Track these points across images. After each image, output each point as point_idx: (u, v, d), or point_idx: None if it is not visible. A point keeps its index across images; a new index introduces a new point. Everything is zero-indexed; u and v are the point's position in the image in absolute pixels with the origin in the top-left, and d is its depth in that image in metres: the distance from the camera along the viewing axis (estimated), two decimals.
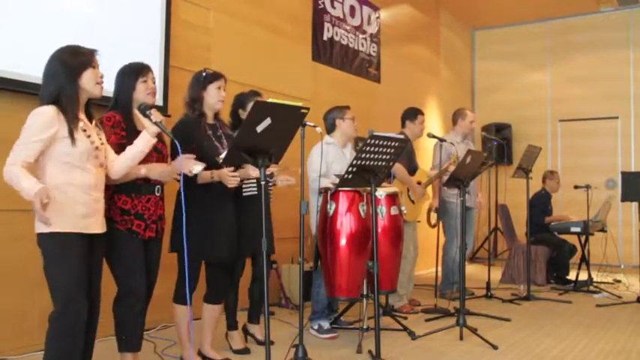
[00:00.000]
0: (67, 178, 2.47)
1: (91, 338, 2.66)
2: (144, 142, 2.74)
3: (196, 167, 2.88)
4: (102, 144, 2.63)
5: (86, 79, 2.52)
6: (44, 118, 2.41)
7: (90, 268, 2.57)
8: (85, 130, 2.53)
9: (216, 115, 3.43)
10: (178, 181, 2.87)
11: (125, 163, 2.71)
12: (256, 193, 3.67)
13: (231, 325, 3.79)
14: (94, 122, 2.65)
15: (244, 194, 3.59)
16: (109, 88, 2.97)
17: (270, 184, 3.74)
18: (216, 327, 3.52)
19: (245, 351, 3.71)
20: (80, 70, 2.51)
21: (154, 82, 2.95)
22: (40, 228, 2.44)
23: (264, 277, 2.79)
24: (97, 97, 2.61)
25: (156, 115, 2.75)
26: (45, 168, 2.47)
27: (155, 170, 2.85)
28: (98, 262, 2.69)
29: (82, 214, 2.50)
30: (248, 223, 3.47)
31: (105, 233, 2.66)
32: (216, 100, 3.33)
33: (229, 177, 3.11)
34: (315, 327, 4.17)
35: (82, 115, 2.57)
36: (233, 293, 3.78)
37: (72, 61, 2.50)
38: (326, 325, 4.17)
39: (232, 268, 3.55)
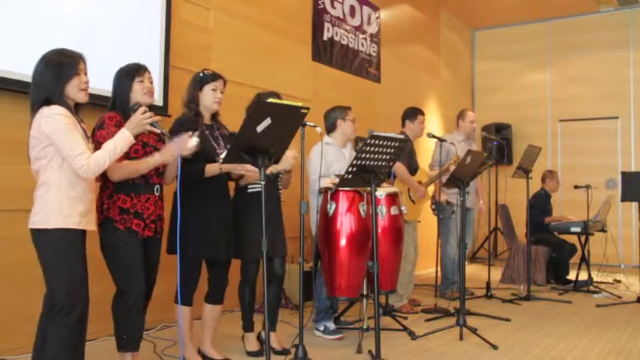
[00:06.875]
0: (75, 179, 2.53)
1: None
2: (123, 139, 2.63)
3: (193, 141, 2.89)
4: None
5: (71, 87, 2.55)
6: (65, 116, 2.45)
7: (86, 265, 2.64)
8: (85, 131, 2.59)
9: (214, 117, 3.43)
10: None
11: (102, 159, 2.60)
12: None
13: (247, 326, 3.65)
14: (84, 124, 2.67)
15: (249, 191, 3.54)
16: (108, 89, 2.97)
17: (280, 189, 3.73)
18: (217, 326, 3.52)
19: (258, 353, 3.60)
20: (66, 79, 2.52)
21: (151, 82, 2.94)
22: (39, 224, 2.47)
23: (262, 279, 2.78)
24: (82, 102, 2.63)
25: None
26: (53, 168, 2.49)
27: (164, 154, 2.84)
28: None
29: (83, 211, 2.57)
30: (256, 222, 3.27)
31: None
32: (211, 101, 3.32)
33: (239, 166, 3.15)
34: (321, 328, 4.16)
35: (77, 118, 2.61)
36: (249, 294, 3.61)
37: (58, 69, 2.52)
38: (332, 326, 4.17)
39: (228, 267, 3.50)
